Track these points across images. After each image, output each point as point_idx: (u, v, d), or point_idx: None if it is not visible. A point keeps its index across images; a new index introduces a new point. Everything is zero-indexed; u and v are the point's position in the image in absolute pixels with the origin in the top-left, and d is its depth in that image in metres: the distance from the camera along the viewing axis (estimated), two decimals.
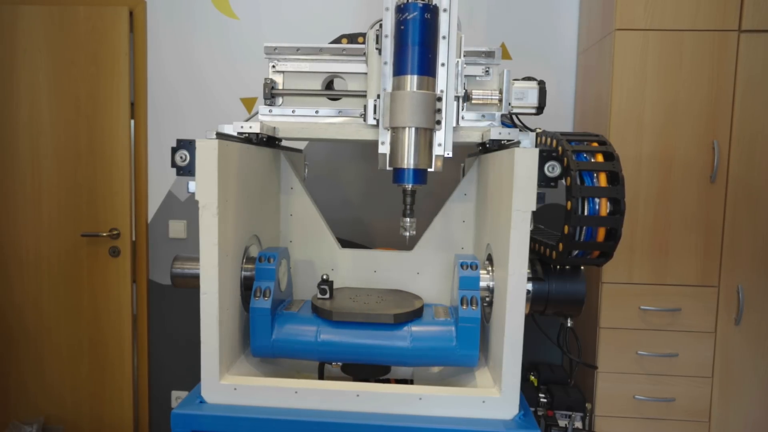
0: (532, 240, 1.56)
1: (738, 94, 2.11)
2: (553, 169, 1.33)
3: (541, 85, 1.61)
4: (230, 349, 1.45)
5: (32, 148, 2.73)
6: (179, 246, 2.80)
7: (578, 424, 2.18)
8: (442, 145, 1.53)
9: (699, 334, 2.19)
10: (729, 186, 2.14)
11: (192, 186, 1.33)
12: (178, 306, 2.83)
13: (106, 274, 2.77)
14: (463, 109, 1.60)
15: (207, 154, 1.30)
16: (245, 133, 1.49)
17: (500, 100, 1.60)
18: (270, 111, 1.67)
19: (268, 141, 1.65)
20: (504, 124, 1.64)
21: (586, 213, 1.35)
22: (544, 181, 1.32)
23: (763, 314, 2.16)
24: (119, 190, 2.72)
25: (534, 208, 1.27)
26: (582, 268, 1.52)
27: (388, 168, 1.53)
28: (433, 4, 1.48)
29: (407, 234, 1.57)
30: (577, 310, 1.50)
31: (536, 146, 1.45)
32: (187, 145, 1.34)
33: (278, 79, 1.71)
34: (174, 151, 1.35)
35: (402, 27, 1.47)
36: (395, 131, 1.50)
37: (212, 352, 1.35)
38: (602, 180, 1.37)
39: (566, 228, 1.37)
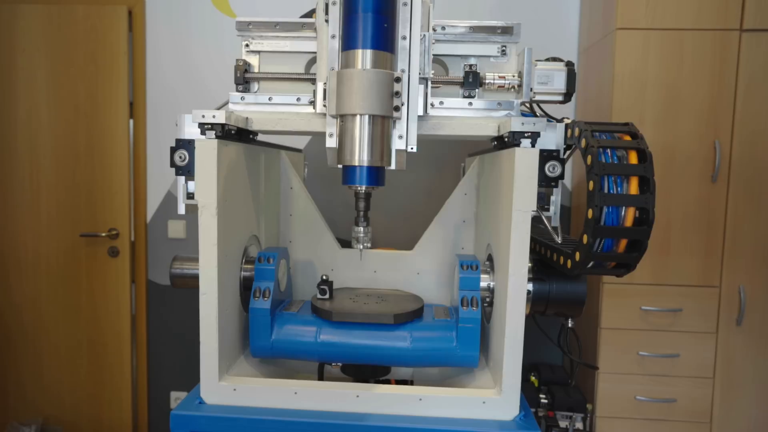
0: (546, 247, 1.54)
1: (739, 94, 2.10)
2: (553, 169, 1.32)
3: (570, 66, 1.35)
4: (230, 349, 1.44)
5: (31, 148, 2.72)
6: (178, 246, 2.80)
7: (579, 425, 2.17)
8: (404, 137, 1.26)
9: (700, 335, 2.18)
10: (730, 186, 2.13)
11: (191, 186, 1.32)
12: (177, 306, 2.82)
13: (105, 274, 2.76)
14: (472, 96, 1.38)
15: (206, 154, 1.29)
16: (208, 124, 1.23)
17: (520, 85, 1.35)
18: (242, 98, 1.41)
19: (240, 134, 1.39)
20: (525, 114, 1.42)
21: (606, 223, 1.20)
22: (544, 181, 1.31)
23: (765, 315, 2.16)
24: (118, 190, 2.72)
25: (534, 208, 1.26)
26: None
27: (337, 166, 1.28)
28: None
29: (360, 247, 1.34)
30: (578, 311, 1.49)
31: (565, 140, 1.30)
32: (186, 145, 1.33)
33: (253, 60, 1.44)
34: (173, 150, 1.34)
35: None
36: (344, 120, 1.22)
37: (211, 353, 1.34)
38: (632, 186, 1.20)
39: (585, 237, 1.23)
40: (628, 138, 1.25)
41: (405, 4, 1.25)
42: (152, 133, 2.74)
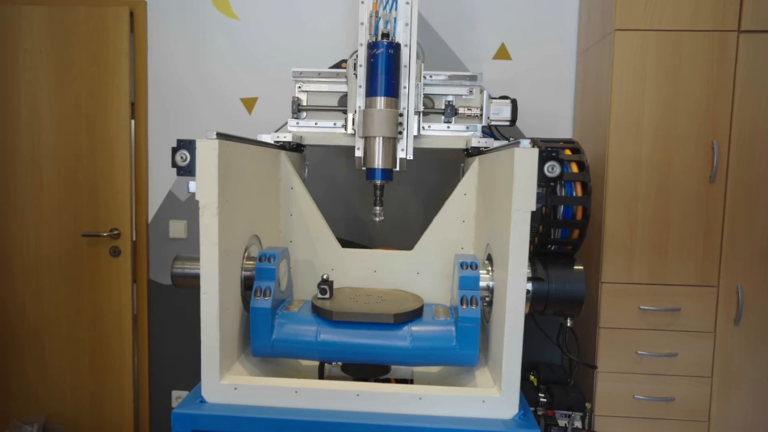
0: None
1: (737, 95, 2.11)
2: (552, 169, 1.33)
3: (514, 102, 2.03)
4: (230, 348, 1.45)
5: (33, 148, 2.73)
6: (180, 246, 2.81)
7: (578, 424, 2.18)
8: (405, 150, 1.94)
9: (698, 334, 2.19)
10: (728, 186, 2.14)
11: (192, 186, 1.33)
12: (179, 306, 2.83)
13: (107, 273, 2.77)
14: (450, 122, 2.02)
15: (207, 154, 1.30)
16: (281, 141, 1.90)
17: (481, 115, 2.02)
18: (297, 123, 2.05)
19: (297, 147, 2.03)
20: (485, 134, 2.02)
21: (560, 217, 1.64)
22: (543, 181, 1.32)
23: (763, 314, 2.17)
24: (120, 190, 2.73)
25: (534, 208, 1.28)
26: (582, 268, 1.53)
27: (363, 168, 1.91)
28: (396, 42, 1.86)
29: (377, 219, 1.94)
30: (577, 310, 1.50)
31: None
32: (187, 145, 1.34)
33: (303, 97, 2.07)
34: (174, 151, 1.35)
35: (372, 60, 1.84)
36: (367, 139, 1.87)
37: (212, 352, 1.35)
38: (578, 189, 1.62)
39: (540, 227, 1.62)
40: (569, 152, 1.67)
41: (405, 66, 1.92)
42: (153, 133, 2.75)
